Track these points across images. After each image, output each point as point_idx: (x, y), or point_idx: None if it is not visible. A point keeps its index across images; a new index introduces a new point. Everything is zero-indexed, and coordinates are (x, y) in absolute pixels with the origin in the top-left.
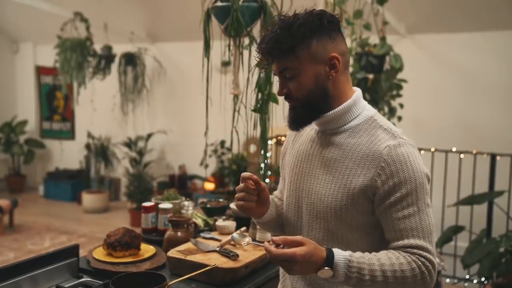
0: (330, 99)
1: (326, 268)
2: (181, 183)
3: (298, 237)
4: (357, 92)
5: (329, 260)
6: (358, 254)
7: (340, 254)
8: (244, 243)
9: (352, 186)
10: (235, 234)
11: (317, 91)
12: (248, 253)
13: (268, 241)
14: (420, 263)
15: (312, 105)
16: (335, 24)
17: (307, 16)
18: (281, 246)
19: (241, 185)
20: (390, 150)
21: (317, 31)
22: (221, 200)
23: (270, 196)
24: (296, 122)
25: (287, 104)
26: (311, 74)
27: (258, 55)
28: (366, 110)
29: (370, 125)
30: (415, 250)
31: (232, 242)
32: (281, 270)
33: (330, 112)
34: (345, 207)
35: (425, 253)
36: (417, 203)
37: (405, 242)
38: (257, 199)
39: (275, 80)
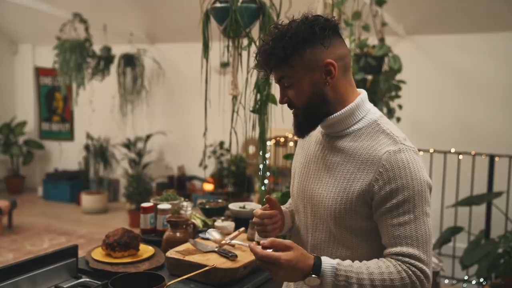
0: (330, 104)
1: (313, 276)
2: (180, 184)
3: (287, 241)
4: (361, 95)
5: (316, 268)
6: (347, 262)
7: (327, 262)
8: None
9: (352, 190)
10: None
11: (316, 98)
12: (246, 254)
13: (257, 242)
14: (410, 272)
15: (312, 112)
16: (331, 28)
17: (300, 25)
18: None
19: (258, 219)
20: (389, 155)
21: (309, 40)
22: (220, 200)
23: (283, 207)
24: (300, 129)
25: (286, 106)
26: (308, 82)
27: (256, 66)
28: (370, 113)
29: (373, 129)
30: (407, 259)
31: (231, 242)
32: None
33: (333, 115)
34: (344, 211)
35: (417, 263)
36: (414, 211)
37: (398, 249)
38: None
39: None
